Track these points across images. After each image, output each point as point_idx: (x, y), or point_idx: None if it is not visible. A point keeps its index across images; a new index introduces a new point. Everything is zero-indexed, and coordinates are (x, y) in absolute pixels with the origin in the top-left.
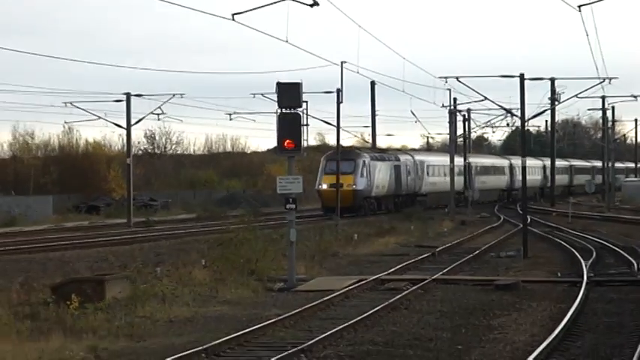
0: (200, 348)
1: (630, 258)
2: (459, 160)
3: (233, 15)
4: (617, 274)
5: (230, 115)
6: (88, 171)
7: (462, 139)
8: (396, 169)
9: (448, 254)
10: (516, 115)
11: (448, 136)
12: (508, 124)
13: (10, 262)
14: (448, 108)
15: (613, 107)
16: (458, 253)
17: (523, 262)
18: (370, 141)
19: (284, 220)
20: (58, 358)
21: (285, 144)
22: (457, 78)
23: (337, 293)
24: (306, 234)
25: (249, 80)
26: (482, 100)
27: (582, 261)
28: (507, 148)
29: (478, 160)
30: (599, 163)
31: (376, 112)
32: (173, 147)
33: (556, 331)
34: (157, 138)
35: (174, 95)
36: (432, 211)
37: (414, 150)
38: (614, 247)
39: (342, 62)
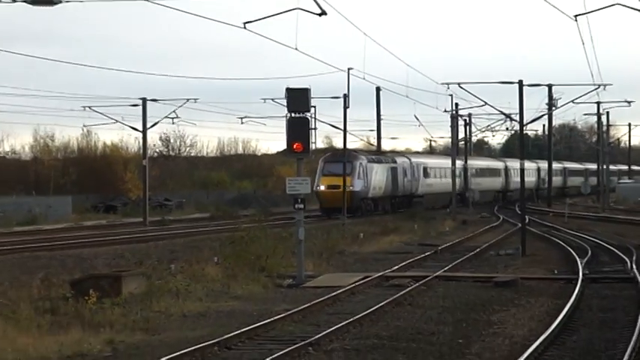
0: (212, 341)
1: (624, 256)
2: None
3: (245, 23)
4: (612, 271)
5: (241, 119)
6: (105, 172)
7: (463, 142)
8: (393, 170)
9: (450, 252)
10: (515, 120)
11: (450, 140)
12: (507, 128)
13: (30, 259)
14: (450, 113)
15: (607, 112)
16: (459, 252)
17: (521, 260)
18: (375, 144)
19: (293, 220)
20: (77, 351)
21: (294, 147)
22: (459, 84)
23: (344, 289)
24: (314, 232)
25: (260, 86)
26: (483, 105)
27: (578, 259)
28: (507, 151)
29: (474, 163)
30: (591, 166)
31: (381, 117)
32: (187, 149)
33: (553, 326)
34: (171, 141)
35: (188, 100)
36: (435, 211)
37: (410, 152)
38: (608, 246)
39: (348, 69)
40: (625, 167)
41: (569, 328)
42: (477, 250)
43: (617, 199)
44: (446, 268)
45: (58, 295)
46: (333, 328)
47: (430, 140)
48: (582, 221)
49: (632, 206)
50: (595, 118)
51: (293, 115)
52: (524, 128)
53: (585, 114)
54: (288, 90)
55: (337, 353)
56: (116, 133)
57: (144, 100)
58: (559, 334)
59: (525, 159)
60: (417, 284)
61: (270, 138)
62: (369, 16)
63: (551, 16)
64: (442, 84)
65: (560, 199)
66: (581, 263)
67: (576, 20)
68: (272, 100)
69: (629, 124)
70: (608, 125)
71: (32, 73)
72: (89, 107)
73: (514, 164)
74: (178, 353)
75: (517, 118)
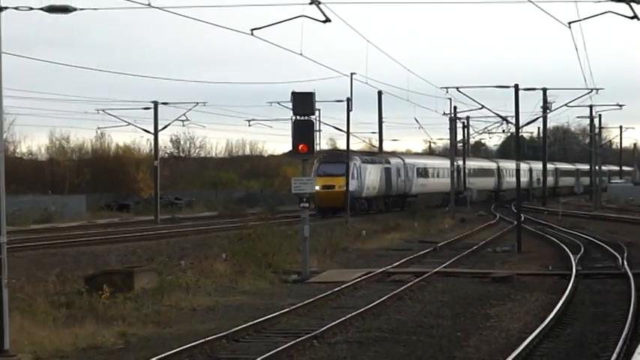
0: (221, 334)
1: (615, 253)
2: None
3: (252, 30)
4: (604, 267)
5: (249, 121)
6: (118, 172)
7: (461, 144)
8: (387, 171)
9: (449, 249)
10: (511, 123)
11: (449, 142)
12: (504, 131)
13: (47, 256)
14: (449, 115)
15: (600, 115)
16: (458, 248)
17: (517, 257)
18: (377, 146)
19: (298, 218)
20: (91, 343)
21: (300, 148)
22: (457, 88)
23: (347, 284)
24: (319, 230)
25: (267, 90)
26: (480, 109)
27: (571, 256)
28: (503, 152)
29: (469, 163)
30: (582, 166)
31: (383, 119)
32: (197, 151)
33: (547, 320)
34: (181, 142)
35: (197, 103)
36: (434, 210)
37: (404, 153)
38: (600, 243)
39: (351, 74)
40: (616, 168)
41: (563, 321)
42: (475, 247)
43: (608, 199)
44: (445, 265)
45: (73, 290)
46: (337, 322)
47: (430, 142)
48: (575, 219)
49: (623, 205)
50: (588, 120)
51: (298, 117)
52: (520, 130)
53: (578, 117)
54: (294, 94)
55: (341, 346)
56: (129, 135)
57: (155, 103)
58: (553, 328)
59: (517, 160)
60: (417, 280)
61: (276, 140)
62: (372, 24)
63: (546, 23)
64: (441, 88)
65: (554, 198)
66: (574, 260)
67: (570, 27)
68: (278, 103)
69: (620, 127)
70: (600, 128)
71: (48, 77)
72: (103, 110)
73: (506, 165)
74: (188, 345)
75: (513, 120)
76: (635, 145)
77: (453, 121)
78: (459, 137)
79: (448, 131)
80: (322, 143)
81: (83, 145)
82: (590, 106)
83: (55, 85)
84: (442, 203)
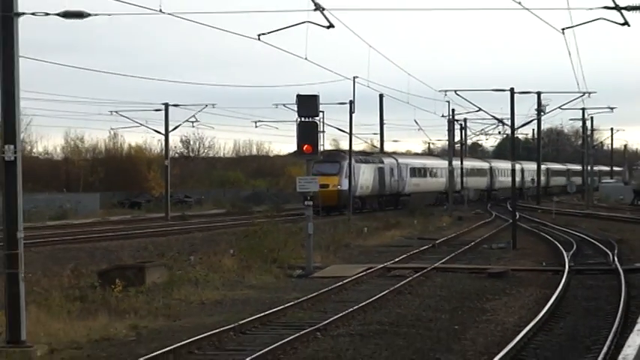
0: (229, 327)
1: (606, 250)
2: (443, 163)
3: (259, 35)
4: (595, 263)
5: (256, 122)
6: (130, 171)
7: (459, 145)
8: (380, 170)
9: (447, 246)
10: (507, 124)
11: (447, 142)
12: (500, 132)
13: (62, 251)
14: (447, 117)
15: (592, 118)
16: (455, 245)
17: (512, 253)
18: (378, 146)
19: (302, 215)
20: (104, 335)
21: (304, 148)
22: (455, 91)
23: (349, 279)
24: (322, 227)
25: (273, 92)
26: (477, 111)
27: (564, 252)
28: (499, 153)
29: (464, 163)
30: (573, 166)
31: (384, 121)
32: (205, 151)
33: (541, 314)
34: (191, 143)
35: (206, 105)
36: (432, 208)
37: (398, 153)
38: (592, 240)
39: (354, 77)
40: (606, 168)
41: (556, 315)
42: (472, 243)
43: (600, 198)
44: (443, 260)
45: (87, 284)
46: (340, 315)
47: (429, 143)
48: (568, 217)
49: (614, 204)
50: (580, 123)
51: (303, 119)
52: (516, 132)
53: (571, 119)
54: (299, 96)
55: (343, 338)
56: (140, 136)
57: (166, 105)
58: (547, 321)
59: (511, 160)
60: (417, 275)
61: (281, 140)
62: (374, 29)
63: (540, 29)
64: (440, 91)
65: (546, 197)
66: (567, 256)
67: (563, 33)
68: (284, 105)
69: (612, 129)
70: (592, 129)
71: (63, 80)
72: (116, 112)
73: (499, 165)
74: (197, 337)
75: (509, 122)
76: (625, 146)
77: (451, 122)
78: (457, 138)
79: (446, 132)
80: (326, 144)
81: (97, 145)
82: (583, 109)
83: (70, 87)
84: (436, 202)
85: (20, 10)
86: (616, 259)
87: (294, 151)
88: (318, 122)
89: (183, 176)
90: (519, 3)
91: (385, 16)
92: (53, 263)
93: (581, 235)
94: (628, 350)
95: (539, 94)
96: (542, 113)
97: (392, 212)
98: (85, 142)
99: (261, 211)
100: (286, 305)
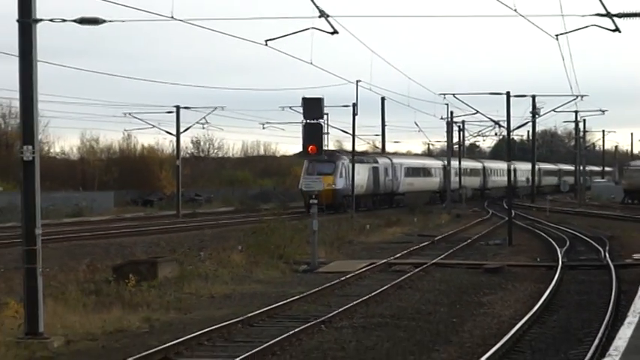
0: (237, 319)
1: (598, 246)
2: (437, 163)
3: (266, 41)
4: (587, 259)
5: (263, 124)
6: (143, 171)
7: (457, 145)
8: (374, 170)
9: (445, 242)
10: (503, 126)
11: (446, 143)
12: (496, 134)
13: (78, 247)
14: (446, 120)
15: (584, 120)
16: (453, 242)
17: (508, 249)
18: (380, 147)
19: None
20: (118, 327)
21: (309, 149)
22: (454, 95)
23: (352, 274)
24: (326, 225)
25: (279, 95)
26: (475, 114)
27: (558, 248)
28: (495, 153)
29: (455, 163)
30: (564, 166)
31: (385, 123)
32: (215, 151)
33: (535, 307)
34: (201, 143)
35: (216, 108)
36: (432, 206)
37: (393, 154)
38: (584, 237)
39: (357, 81)
40: (597, 168)
41: (549, 309)
42: (469, 240)
43: (591, 196)
44: (442, 256)
45: (102, 278)
46: (343, 308)
47: (428, 144)
48: (562, 215)
49: (605, 202)
50: (573, 125)
51: (308, 121)
52: (511, 134)
53: (565, 121)
54: (304, 99)
55: (346, 330)
56: (153, 137)
57: (177, 107)
58: (541, 315)
59: (506, 161)
60: (417, 270)
61: (288, 141)
62: (376, 35)
63: (535, 35)
64: (439, 94)
65: (539, 196)
66: (560, 252)
67: (557, 39)
68: (290, 108)
69: (603, 131)
70: (585, 131)
71: (79, 84)
72: (129, 114)
73: (491, 165)
74: (207, 330)
75: (505, 124)
76: (616, 147)
77: (449, 124)
78: (455, 140)
79: (445, 134)
80: (330, 145)
81: (111, 145)
82: (576, 112)
83: (85, 90)
84: (430, 201)
85: (38, 16)
86: (607, 255)
87: (300, 152)
88: (322, 124)
89: (194, 175)
90: (515, 10)
91: (387, 23)
92: (69, 258)
93: (574, 232)
94: (619, 342)
95: (534, 97)
96: (536, 116)
97: (393, 210)
98: (99, 142)
99: (268, 209)
100: (292, 299)
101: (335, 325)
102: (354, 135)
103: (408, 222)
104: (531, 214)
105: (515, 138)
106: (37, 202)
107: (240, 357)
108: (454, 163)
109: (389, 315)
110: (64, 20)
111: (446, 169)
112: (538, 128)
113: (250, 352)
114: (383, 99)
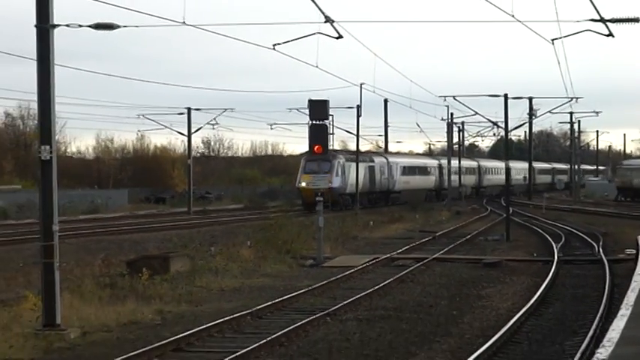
0: (246, 312)
1: (592, 242)
2: (432, 162)
3: (274, 45)
4: (582, 254)
5: (271, 125)
6: (156, 170)
7: (457, 145)
8: (370, 169)
9: (446, 238)
10: (501, 127)
11: (446, 144)
12: (494, 134)
13: (93, 242)
14: (446, 121)
15: (579, 121)
16: (453, 237)
17: (506, 245)
18: (383, 147)
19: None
20: (132, 319)
21: (315, 149)
22: (454, 97)
23: (356, 268)
24: (331, 221)
25: (287, 98)
26: (474, 115)
27: (554, 244)
28: (493, 153)
29: (454, 162)
30: (558, 165)
31: (388, 124)
32: (225, 151)
33: (532, 300)
34: (212, 143)
35: (226, 109)
36: (432, 203)
37: (389, 153)
38: (579, 233)
39: (361, 84)
40: (590, 167)
41: (546, 301)
42: (469, 236)
43: (586, 194)
44: (442, 251)
45: (116, 272)
46: (348, 301)
47: (429, 144)
48: (557, 212)
49: (599, 200)
50: (568, 125)
51: (314, 122)
52: (509, 134)
53: (560, 122)
54: (310, 101)
55: (351, 322)
56: (165, 137)
57: (189, 109)
58: (538, 307)
59: (504, 160)
60: (418, 264)
61: (295, 141)
62: (379, 40)
63: (532, 40)
64: (440, 96)
65: (535, 194)
66: (556, 247)
67: (553, 43)
68: (297, 109)
69: (597, 131)
70: (579, 132)
71: (95, 86)
72: (143, 115)
73: (486, 163)
74: (217, 321)
75: (503, 125)
76: (609, 147)
77: (450, 125)
78: (455, 140)
79: (445, 134)
80: (335, 145)
81: (125, 145)
82: (571, 113)
83: (101, 93)
84: (425, 199)
85: (55, 22)
86: (601, 250)
87: (306, 151)
88: (327, 125)
89: (205, 174)
90: (513, 16)
91: (390, 28)
92: (85, 253)
93: (569, 229)
94: (612, 334)
95: (530, 99)
96: (533, 117)
97: (389, 208)
98: (114, 142)
99: (276, 206)
100: (299, 292)
101: (340, 317)
102: (358, 135)
103: (410, 219)
104: (528, 211)
105: (513, 138)
106: (55, 200)
107: (249, 347)
108: (454, 162)
109: (392, 307)
110: (80, 26)
111: (442, 168)
112: (534, 129)
113: (259, 343)
114: (386, 101)
